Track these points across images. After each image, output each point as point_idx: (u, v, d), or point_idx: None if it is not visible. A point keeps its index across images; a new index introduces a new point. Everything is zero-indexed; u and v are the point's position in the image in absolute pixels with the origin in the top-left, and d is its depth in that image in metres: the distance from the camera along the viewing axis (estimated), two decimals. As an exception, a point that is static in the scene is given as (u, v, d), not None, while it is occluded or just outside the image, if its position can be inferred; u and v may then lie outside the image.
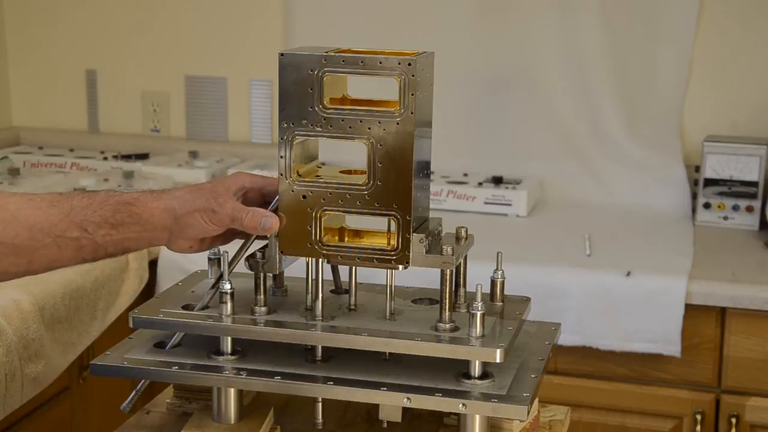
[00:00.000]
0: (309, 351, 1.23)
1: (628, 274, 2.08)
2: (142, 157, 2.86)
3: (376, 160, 1.17)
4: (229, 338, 1.21)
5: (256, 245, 1.26)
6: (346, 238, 1.26)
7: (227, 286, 1.21)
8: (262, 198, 1.25)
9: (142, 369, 1.21)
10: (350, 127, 1.17)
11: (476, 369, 1.17)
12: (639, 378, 2.13)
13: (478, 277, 1.22)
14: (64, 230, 1.19)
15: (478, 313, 1.15)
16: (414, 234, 1.18)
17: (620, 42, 2.64)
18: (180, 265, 2.22)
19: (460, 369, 1.17)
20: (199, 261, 1.27)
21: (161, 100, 3.00)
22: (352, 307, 1.26)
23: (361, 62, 1.16)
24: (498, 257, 1.28)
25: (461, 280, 1.28)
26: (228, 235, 1.25)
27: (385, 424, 1.22)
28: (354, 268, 1.24)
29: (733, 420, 2.09)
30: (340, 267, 1.32)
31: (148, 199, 1.20)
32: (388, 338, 1.16)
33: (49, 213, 1.19)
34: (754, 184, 2.47)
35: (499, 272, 1.29)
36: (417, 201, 1.19)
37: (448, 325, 1.18)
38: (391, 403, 1.16)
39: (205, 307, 1.23)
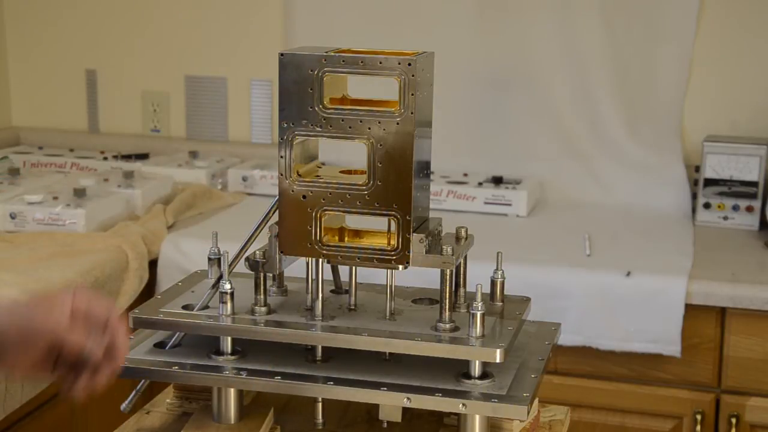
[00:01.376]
0: (309, 351, 1.23)
1: (628, 274, 2.08)
2: (142, 157, 2.86)
3: (376, 160, 1.17)
4: (229, 338, 1.21)
5: (256, 245, 1.26)
6: (346, 238, 1.26)
7: (227, 286, 1.21)
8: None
9: (142, 369, 1.21)
10: (350, 127, 1.17)
11: (476, 369, 1.17)
12: (639, 378, 2.13)
13: (478, 277, 1.22)
14: None
15: (478, 313, 1.15)
16: (414, 234, 1.18)
17: (620, 42, 2.64)
18: (180, 265, 2.22)
19: (460, 369, 1.17)
20: (199, 261, 1.27)
21: (161, 100, 3.00)
22: (352, 307, 1.26)
23: (361, 62, 1.16)
24: (498, 257, 1.28)
25: (461, 280, 1.28)
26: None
27: (385, 424, 1.22)
28: (354, 268, 1.24)
29: (733, 420, 2.09)
30: (340, 267, 1.32)
31: None
32: (388, 338, 1.16)
33: None
34: (754, 184, 2.47)
35: (499, 272, 1.29)
36: (417, 201, 1.19)
37: (448, 325, 1.18)
38: (391, 403, 1.16)
39: (205, 307, 1.23)
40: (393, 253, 1.18)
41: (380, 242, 1.22)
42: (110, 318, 1.11)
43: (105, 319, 1.10)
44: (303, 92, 1.18)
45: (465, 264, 1.29)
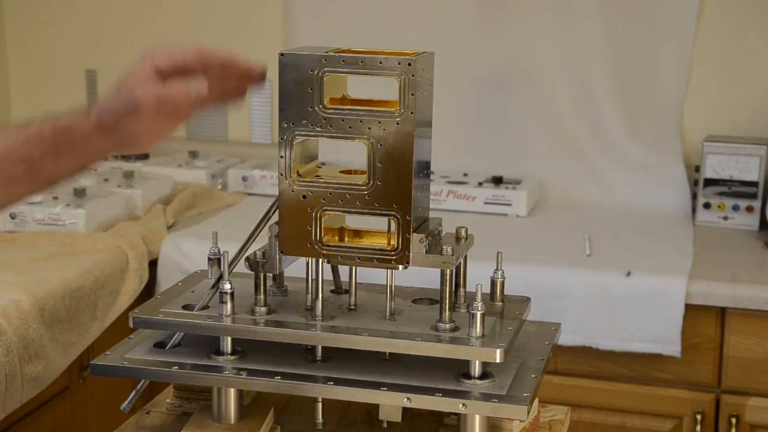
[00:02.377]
0: (309, 351, 1.23)
1: (628, 274, 2.08)
2: (142, 157, 2.86)
3: (376, 160, 1.17)
4: (229, 338, 1.21)
5: (257, 245, 1.26)
6: (346, 238, 1.26)
7: (227, 286, 1.21)
8: (179, 70, 1.20)
9: (142, 369, 1.21)
10: (350, 127, 1.17)
11: (476, 369, 1.17)
12: (639, 378, 2.13)
13: (478, 277, 1.22)
14: (9, 171, 1.18)
15: (478, 313, 1.15)
16: (414, 234, 1.18)
17: (620, 42, 2.64)
18: (180, 265, 2.22)
19: (460, 369, 1.17)
20: (199, 261, 1.27)
21: (161, 100, 3.00)
22: (352, 307, 1.26)
23: (361, 62, 1.16)
24: (498, 257, 1.28)
25: (461, 280, 1.28)
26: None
27: (385, 424, 1.22)
28: (354, 268, 1.24)
29: (733, 420, 2.09)
30: (340, 267, 1.32)
31: (81, 120, 1.17)
32: (388, 338, 1.16)
33: None
34: (754, 184, 2.47)
35: (499, 272, 1.29)
36: (417, 201, 1.19)
37: (448, 325, 1.18)
38: (391, 403, 1.16)
39: (205, 307, 1.23)
40: (393, 253, 1.18)
41: (380, 242, 1.22)
42: (200, 54, 1.17)
43: (195, 58, 1.17)
44: (303, 92, 1.18)
45: (465, 264, 1.29)
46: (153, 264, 2.26)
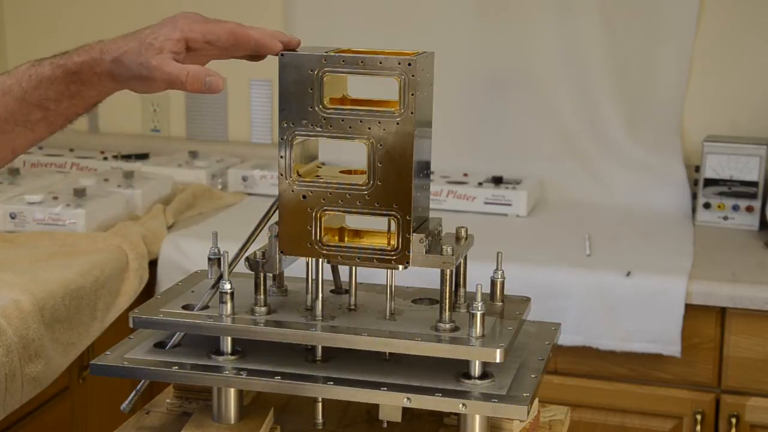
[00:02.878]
0: (309, 351, 1.23)
1: (628, 274, 2.08)
2: (142, 157, 2.86)
3: (376, 160, 1.17)
4: (229, 338, 1.21)
5: (257, 245, 1.26)
6: (346, 238, 1.26)
7: (227, 286, 1.21)
8: (206, 45, 1.22)
9: (142, 369, 1.21)
10: (350, 127, 1.17)
11: (476, 369, 1.17)
12: (639, 378, 2.13)
13: (478, 277, 1.22)
14: (26, 114, 1.20)
15: (478, 313, 1.15)
16: (414, 234, 1.18)
17: (620, 42, 2.64)
18: (180, 265, 2.22)
19: (460, 369, 1.17)
20: (199, 261, 1.27)
21: (161, 100, 3.00)
22: (352, 307, 1.26)
23: (361, 62, 1.16)
24: (498, 257, 1.28)
25: (461, 280, 1.28)
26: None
27: (385, 424, 1.22)
28: (354, 268, 1.24)
29: (733, 420, 2.09)
30: (340, 267, 1.32)
31: (92, 65, 1.18)
32: (388, 338, 1.16)
33: (4, 102, 1.19)
34: (754, 184, 2.47)
35: (499, 272, 1.29)
36: (417, 201, 1.19)
37: (448, 325, 1.18)
38: (391, 403, 1.16)
39: (205, 307, 1.23)
40: (393, 253, 1.18)
41: (380, 242, 1.22)
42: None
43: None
44: (303, 92, 1.18)
45: (465, 264, 1.29)
46: (153, 264, 2.26)
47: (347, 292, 1.27)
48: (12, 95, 1.19)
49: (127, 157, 2.85)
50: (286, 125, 1.19)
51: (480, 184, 2.60)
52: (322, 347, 1.21)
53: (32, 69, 1.20)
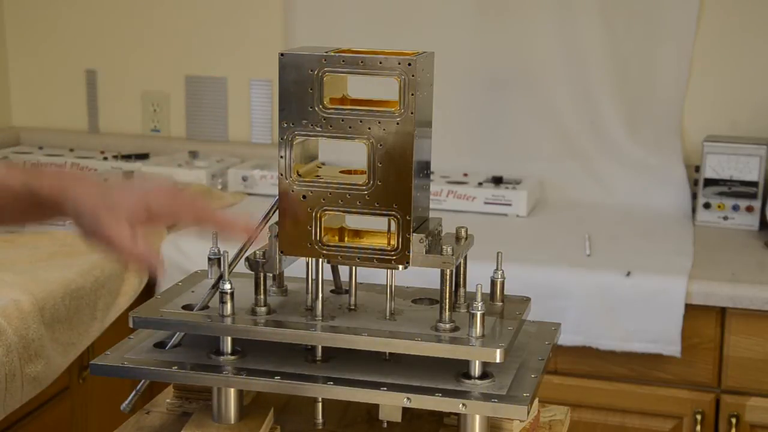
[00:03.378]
0: (309, 351, 1.23)
1: (628, 274, 2.08)
2: (142, 157, 2.86)
3: (376, 160, 1.17)
4: (229, 338, 1.21)
5: (256, 245, 1.26)
6: (346, 238, 1.26)
7: (227, 286, 1.21)
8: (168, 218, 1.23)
9: (142, 369, 1.21)
10: (350, 127, 1.17)
11: (476, 369, 1.17)
12: (639, 378, 2.13)
13: (478, 277, 1.22)
14: None
15: (478, 313, 1.15)
16: (414, 234, 1.18)
17: (620, 41, 2.64)
18: (180, 265, 2.22)
19: (460, 369, 1.17)
20: (199, 261, 1.27)
21: (161, 100, 3.00)
22: (352, 307, 1.26)
23: (361, 62, 1.16)
24: (498, 257, 1.28)
25: (461, 280, 1.28)
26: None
27: (385, 424, 1.22)
28: (354, 268, 1.24)
29: (733, 420, 2.09)
30: (340, 267, 1.32)
31: (57, 204, 1.18)
32: (388, 338, 1.16)
33: None
34: (754, 184, 2.47)
35: (499, 272, 1.29)
36: (417, 201, 1.19)
37: (448, 325, 1.18)
38: (391, 403, 1.16)
39: (205, 307, 1.23)
40: (393, 253, 1.18)
41: (380, 242, 1.22)
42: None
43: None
44: (303, 92, 1.18)
45: (465, 264, 1.29)
46: (153, 264, 2.25)
47: (347, 292, 1.27)
48: None
49: (127, 157, 2.85)
50: (286, 125, 1.19)
51: (480, 184, 2.60)
52: (322, 347, 1.21)
53: (2, 170, 1.20)
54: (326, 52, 1.18)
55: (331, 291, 1.32)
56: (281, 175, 1.20)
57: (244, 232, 1.19)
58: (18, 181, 1.18)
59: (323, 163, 1.28)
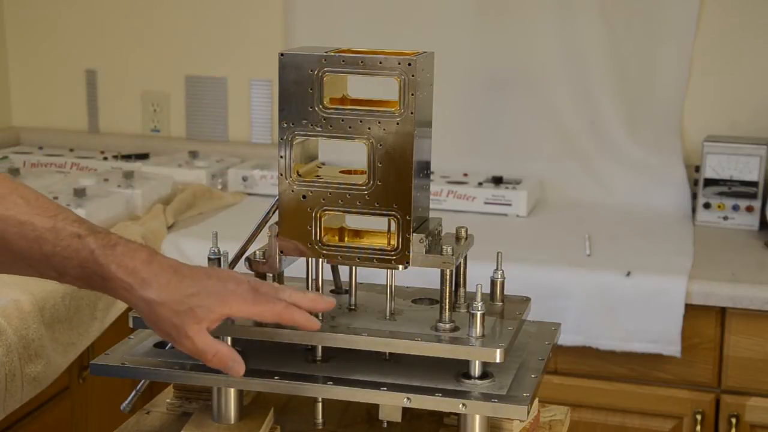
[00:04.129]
0: (309, 351, 1.23)
1: (628, 274, 2.08)
2: (142, 157, 2.86)
3: (376, 160, 1.17)
4: (229, 338, 1.21)
5: (257, 245, 1.26)
6: (346, 238, 1.26)
7: (227, 286, 1.20)
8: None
9: (142, 369, 1.21)
10: (350, 127, 1.17)
11: (476, 369, 1.17)
12: (639, 378, 2.13)
13: (478, 277, 1.22)
14: (41, 267, 1.12)
15: (478, 313, 1.15)
16: (414, 234, 1.18)
17: (620, 41, 2.64)
18: (180, 265, 2.22)
19: (460, 369, 1.17)
20: (199, 261, 1.27)
21: (161, 100, 3.00)
22: (352, 307, 1.26)
23: (361, 62, 1.16)
24: (498, 257, 1.28)
25: (461, 280, 1.28)
26: None
27: (385, 424, 1.22)
28: (354, 268, 1.24)
29: (733, 420, 2.09)
30: (340, 267, 1.32)
31: (124, 286, 1.10)
32: (388, 338, 1.16)
33: (30, 246, 1.10)
34: (754, 184, 2.47)
35: (499, 272, 1.29)
36: (417, 201, 1.19)
37: (448, 325, 1.18)
38: (391, 403, 1.16)
39: (205, 307, 1.23)
40: (393, 253, 1.18)
41: (380, 242, 1.22)
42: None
43: None
44: (303, 92, 1.18)
45: (465, 264, 1.29)
46: (153, 264, 2.25)
47: (347, 292, 1.27)
48: (41, 248, 1.10)
49: (127, 157, 2.85)
50: (286, 125, 1.19)
51: (480, 184, 2.60)
52: (322, 347, 1.21)
53: (73, 240, 1.10)
54: (326, 52, 1.18)
55: (331, 291, 1.32)
56: (281, 175, 1.20)
57: (321, 308, 1.15)
58: (86, 251, 1.09)
59: (323, 163, 1.28)
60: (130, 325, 1.23)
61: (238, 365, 1.11)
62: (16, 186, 1.11)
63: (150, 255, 1.11)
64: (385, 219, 1.19)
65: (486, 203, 2.54)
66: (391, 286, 1.23)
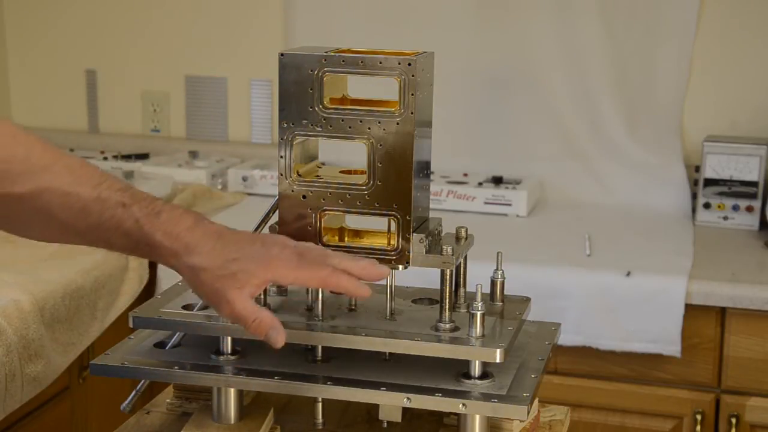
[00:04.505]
0: (309, 351, 1.23)
1: (628, 274, 2.08)
2: (142, 157, 2.86)
3: (376, 160, 1.17)
4: (229, 338, 1.21)
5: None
6: (346, 238, 1.26)
7: (227, 286, 1.20)
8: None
9: (142, 369, 1.21)
10: (350, 127, 1.17)
11: (476, 369, 1.17)
12: (639, 378, 2.13)
13: (478, 277, 1.22)
14: (88, 237, 1.13)
15: (478, 313, 1.15)
16: (414, 234, 1.18)
17: (620, 42, 2.64)
18: (180, 265, 2.22)
19: (460, 369, 1.17)
20: (199, 261, 1.27)
21: (161, 100, 3.01)
22: (352, 307, 1.26)
23: (361, 62, 1.16)
24: (498, 257, 1.28)
25: (461, 280, 1.28)
26: None
27: (385, 424, 1.22)
28: (354, 268, 1.24)
29: (733, 420, 2.09)
30: (340, 267, 1.32)
31: (169, 253, 1.10)
32: (388, 338, 1.16)
33: (75, 217, 1.11)
34: (754, 184, 2.47)
35: (499, 272, 1.29)
36: (417, 201, 1.19)
37: (448, 325, 1.18)
38: (391, 403, 1.16)
39: (205, 307, 1.23)
40: (393, 253, 1.18)
41: (380, 242, 1.22)
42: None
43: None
44: (303, 92, 1.18)
45: (465, 264, 1.29)
46: (153, 264, 2.26)
47: (347, 292, 1.27)
48: (87, 219, 1.10)
49: (127, 157, 2.85)
50: (286, 125, 1.19)
51: (480, 184, 2.60)
52: (322, 347, 1.21)
53: (118, 210, 1.10)
54: (326, 52, 1.18)
55: (331, 291, 1.32)
56: (281, 175, 1.20)
57: (374, 276, 1.14)
58: (131, 220, 1.10)
59: (323, 163, 1.28)
60: (130, 325, 1.23)
61: (278, 333, 1.10)
62: (60, 155, 1.11)
63: (195, 221, 1.11)
64: (385, 219, 1.19)
65: (486, 203, 2.54)
66: (391, 286, 1.23)
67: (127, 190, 1.12)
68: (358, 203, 1.19)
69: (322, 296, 1.23)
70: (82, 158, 1.14)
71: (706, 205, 2.50)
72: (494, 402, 1.13)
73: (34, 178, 1.09)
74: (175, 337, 1.25)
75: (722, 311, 2.08)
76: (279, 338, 1.10)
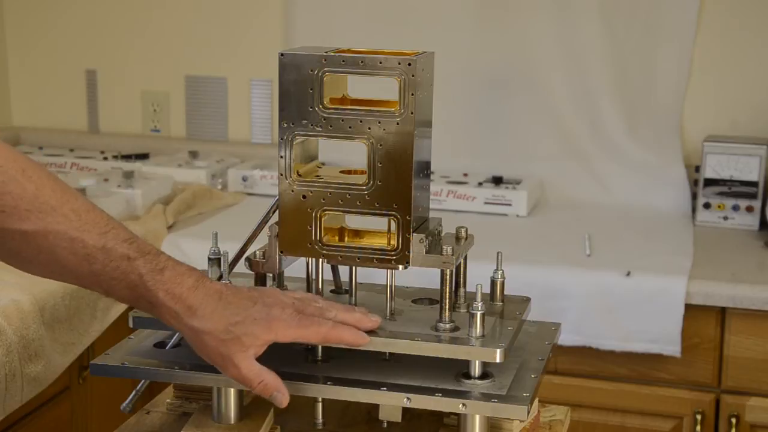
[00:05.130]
0: (309, 351, 1.23)
1: (628, 274, 2.08)
2: (142, 157, 2.86)
3: (376, 160, 1.17)
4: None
5: (256, 245, 1.26)
6: (346, 238, 1.26)
7: (227, 286, 1.20)
8: None
9: (142, 369, 1.21)
10: (350, 127, 1.17)
11: (476, 369, 1.17)
12: (639, 378, 2.13)
13: (478, 277, 1.22)
14: (88, 283, 1.13)
15: (478, 313, 1.15)
16: (414, 234, 1.18)
17: (620, 42, 2.64)
18: (180, 265, 2.22)
19: (460, 369, 1.17)
20: (199, 261, 1.27)
21: (161, 100, 3.00)
22: (352, 308, 1.25)
23: (361, 62, 1.16)
24: (498, 257, 1.28)
25: (461, 280, 1.28)
26: None
27: (385, 424, 1.22)
28: (354, 268, 1.24)
29: (733, 420, 2.09)
30: (340, 267, 1.32)
31: (170, 313, 1.11)
32: (388, 338, 1.16)
33: (79, 264, 1.11)
34: (754, 184, 2.47)
35: (499, 272, 1.29)
36: (417, 201, 1.19)
37: (448, 325, 1.18)
38: (391, 403, 1.16)
39: (205, 307, 1.23)
40: (393, 253, 1.18)
41: (380, 242, 1.22)
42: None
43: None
44: (303, 92, 1.18)
45: (465, 264, 1.29)
46: (153, 264, 2.25)
47: (347, 292, 1.27)
48: (90, 266, 1.10)
49: (127, 157, 2.85)
50: (286, 125, 1.19)
51: (480, 184, 2.60)
52: (322, 347, 1.21)
53: (122, 263, 1.10)
54: (326, 52, 1.18)
55: (331, 291, 1.32)
56: (281, 175, 1.20)
57: (367, 328, 1.16)
58: (135, 275, 1.10)
59: (323, 163, 1.28)
60: (130, 325, 1.23)
61: (282, 396, 1.13)
62: (68, 196, 1.10)
63: (197, 280, 1.13)
64: (385, 219, 1.19)
65: (486, 203, 2.54)
66: (391, 286, 1.23)
67: (133, 242, 1.12)
68: (358, 203, 1.19)
69: (322, 296, 1.23)
70: (90, 202, 1.13)
71: (706, 205, 2.50)
72: (494, 402, 1.13)
73: (42, 217, 1.09)
74: (175, 337, 1.25)
75: (722, 311, 2.08)
76: (283, 400, 1.13)
